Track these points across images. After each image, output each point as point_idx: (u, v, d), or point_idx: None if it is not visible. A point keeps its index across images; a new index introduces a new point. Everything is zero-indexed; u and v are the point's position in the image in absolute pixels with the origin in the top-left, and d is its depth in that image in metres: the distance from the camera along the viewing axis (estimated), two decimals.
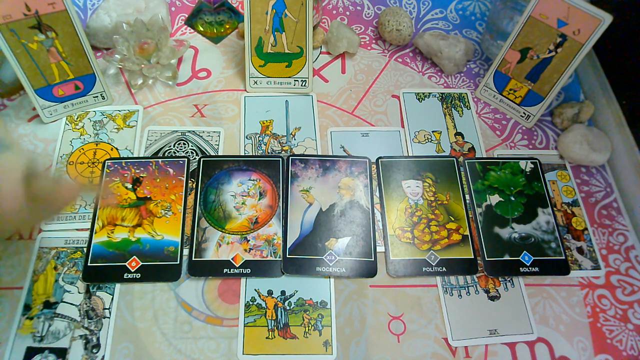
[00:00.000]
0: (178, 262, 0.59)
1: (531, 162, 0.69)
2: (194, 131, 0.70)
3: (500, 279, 0.61)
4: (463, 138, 0.72)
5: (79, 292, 0.57)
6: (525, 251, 0.62)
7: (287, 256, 0.60)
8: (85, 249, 0.60)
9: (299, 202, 0.64)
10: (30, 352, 0.54)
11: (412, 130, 0.73)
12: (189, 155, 0.68)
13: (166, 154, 0.68)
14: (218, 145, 0.69)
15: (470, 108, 0.76)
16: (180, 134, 0.70)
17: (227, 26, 0.84)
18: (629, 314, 0.60)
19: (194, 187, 0.64)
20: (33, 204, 0.39)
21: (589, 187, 0.70)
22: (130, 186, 0.64)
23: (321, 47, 0.82)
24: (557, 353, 0.57)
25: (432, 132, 0.73)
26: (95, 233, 0.60)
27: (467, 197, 0.66)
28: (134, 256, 0.59)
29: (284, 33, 0.72)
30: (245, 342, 0.55)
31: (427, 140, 0.72)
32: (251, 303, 0.58)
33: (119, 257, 0.59)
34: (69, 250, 0.60)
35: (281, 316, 0.57)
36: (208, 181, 0.65)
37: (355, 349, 0.56)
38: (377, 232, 0.62)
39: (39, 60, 0.64)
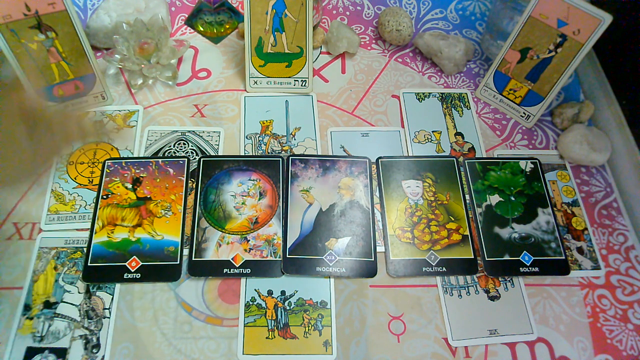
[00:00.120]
0: (178, 262, 0.59)
1: (531, 162, 0.69)
2: (194, 131, 0.70)
3: (500, 279, 0.61)
4: (463, 138, 0.72)
5: (79, 292, 0.57)
6: (525, 251, 0.62)
7: (287, 256, 0.60)
8: (85, 249, 0.60)
9: (299, 202, 0.64)
10: (30, 352, 0.54)
11: (412, 130, 0.73)
12: (189, 155, 0.68)
13: (166, 154, 0.68)
14: (218, 145, 0.69)
15: (470, 108, 0.76)
16: (180, 134, 0.70)
17: (227, 26, 0.84)
18: (629, 314, 0.60)
19: (194, 187, 0.64)
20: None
21: (589, 187, 0.70)
22: (130, 186, 0.64)
23: (321, 47, 0.82)
24: (557, 353, 0.57)
25: (432, 132, 0.73)
26: (95, 233, 0.60)
27: (467, 197, 0.66)
28: (134, 256, 0.59)
29: (284, 33, 0.72)
30: (245, 342, 0.55)
31: (427, 140, 0.72)
32: (251, 303, 0.58)
33: (119, 257, 0.59)
34: (69, 250, 0.60)
35: (281, 316, 0.57)
36: (208, 181, 0.65)
37: (355, 349, 0.56)
38: (377, 232, 0.62)
39: (39, 60, 0.64)
